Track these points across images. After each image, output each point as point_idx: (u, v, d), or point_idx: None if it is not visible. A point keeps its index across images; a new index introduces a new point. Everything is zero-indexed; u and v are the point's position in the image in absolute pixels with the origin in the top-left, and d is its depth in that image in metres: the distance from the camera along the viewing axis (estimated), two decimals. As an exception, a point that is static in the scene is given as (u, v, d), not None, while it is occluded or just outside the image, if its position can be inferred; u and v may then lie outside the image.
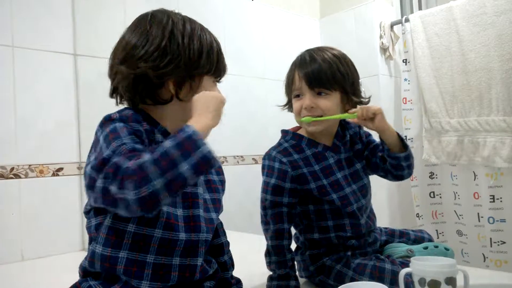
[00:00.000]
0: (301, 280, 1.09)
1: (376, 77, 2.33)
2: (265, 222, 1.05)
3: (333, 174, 1.06)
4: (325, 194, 1.04)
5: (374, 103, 1.09)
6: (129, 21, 0.84)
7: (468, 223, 2.07)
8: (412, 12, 2.37)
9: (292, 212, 1.05)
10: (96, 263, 0.75)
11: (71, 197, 1.60)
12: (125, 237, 0.75)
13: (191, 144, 0.63)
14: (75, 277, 0.81)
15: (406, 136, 2.23)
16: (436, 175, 2.23)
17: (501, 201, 1.90)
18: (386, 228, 1.21)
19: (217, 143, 2.04)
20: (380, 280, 0.95)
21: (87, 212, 0.80)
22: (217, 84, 0.88)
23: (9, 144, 1.48)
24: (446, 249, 1.11)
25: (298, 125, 1.13)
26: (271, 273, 1.04)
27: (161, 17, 0.80)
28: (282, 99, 1.16)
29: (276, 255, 1.02)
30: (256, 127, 2.23)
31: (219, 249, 0.92)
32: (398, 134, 1.07)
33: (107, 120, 0.75)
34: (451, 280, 0.80)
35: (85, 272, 0.79)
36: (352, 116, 1.04)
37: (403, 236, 1.18)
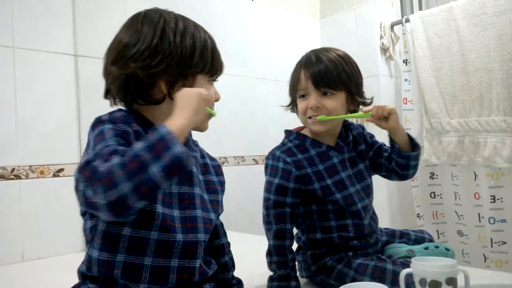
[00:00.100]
0: (302, 281, 1.09)
1: (376, 77, 2.32)
2: (267, 222, 1.05)
3: (338, 174, 1.06)
4: (328, 194, 1.04)
5: (375, 103, 1.09)
6: (129, 22, 0.84)
7: (468, 223, 2.07)
8: (412, 12, 2.36)
9: (295, 213, 1.05)
10: (93, 267, 0.75)
11: (71, 198, 1.54)
12: (120, 241, 0.73)
13: (163, 145, 0.61)
14: (75, 278, 0.81)
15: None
16: (437, 175, 2.23)
17: (501, 201, 1.90)
18: (386, 228, 1.21)
19: (217, 143, 2.05)
20: (381, 280, 0.95)
21: (82, 214, 0.79)
22: (215, 83, 0.86)
23: (9, 145, 1.48)
24: (447, 249, 1.11)
25: (301, 125, 1.13)
26: (271, 273, 1.04)
27: (153, 15, 0.79)
28: (282, 99, 1.16)
29: (277, 255, 1.02)
30: (256, 127, 2.23)
31: (219, 250, 0.92)
32: (408, 134, 1.08)
33: (97, 122, 0.74)
34: (451, 281, 0.80)
35: (83, 276, 0.78)
36: (366, 115, 1.05)
37: (403, 236, 1.18)
